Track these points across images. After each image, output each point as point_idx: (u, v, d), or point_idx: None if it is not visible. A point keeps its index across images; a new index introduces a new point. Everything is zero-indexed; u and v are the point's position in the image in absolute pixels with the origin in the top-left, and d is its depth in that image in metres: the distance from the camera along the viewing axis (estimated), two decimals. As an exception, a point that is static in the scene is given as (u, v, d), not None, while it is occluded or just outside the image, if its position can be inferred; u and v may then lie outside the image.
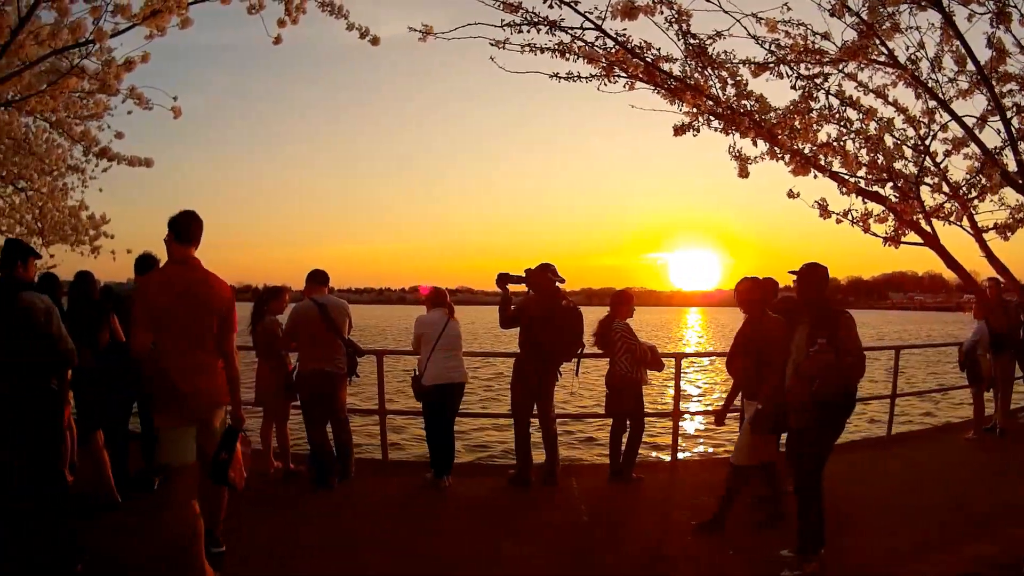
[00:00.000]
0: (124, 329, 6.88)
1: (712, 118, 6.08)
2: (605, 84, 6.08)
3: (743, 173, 6.32)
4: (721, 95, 5.87)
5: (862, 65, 5.93)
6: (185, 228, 5.19)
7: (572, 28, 5.79)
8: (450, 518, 7.16)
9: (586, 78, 6.08)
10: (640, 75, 6.00)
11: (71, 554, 5.49)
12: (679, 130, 6.47)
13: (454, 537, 6.64)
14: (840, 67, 5.98)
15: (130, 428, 7.77)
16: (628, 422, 8.36)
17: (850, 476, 8.38)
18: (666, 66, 5.89)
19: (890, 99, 6.22)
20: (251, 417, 14.40)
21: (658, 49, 5.87)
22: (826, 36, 5.80)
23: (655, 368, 8.49)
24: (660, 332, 70.82)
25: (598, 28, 5.75)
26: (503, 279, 8.29)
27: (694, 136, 6.40)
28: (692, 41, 5.78)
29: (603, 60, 5.96)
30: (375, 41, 6.25)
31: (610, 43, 5.83)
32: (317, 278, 8.32)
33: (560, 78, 6.07)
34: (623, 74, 6.08)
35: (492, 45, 5.88)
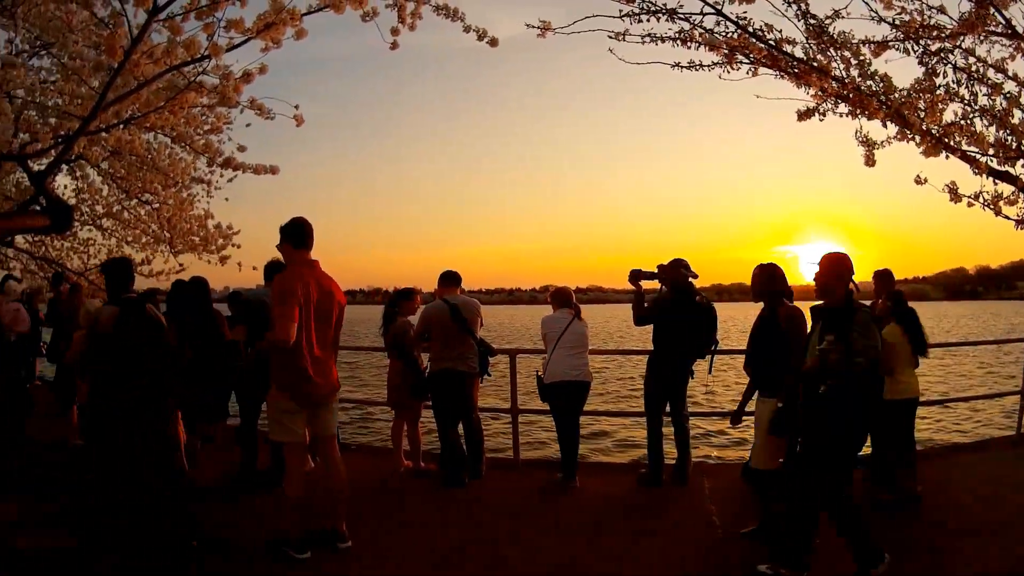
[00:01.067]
0: (255, 331, 7.20)
1: (839, 101, 5.72)
2: (728, 71, 5.85)
3: (869, 161, 5.89)
4: (845, 76, 5.53)
5: (980, 38, 5.49)
6: (302, 233, 5.75)
7: (692, 14, 5.56)
8: (581, 518, 6.95)
9: (708, 66, 5.87)
10: (763, 59, 5.72)
11: (189, 531, 6.13)
12: (803, 115, 6.14)
13: (585, 537, 6.48)
14: (959, 41, 5.55)
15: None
16: None
17: (974, 478, 7.97)
18: (788, 48, 5.57)
19: (1009, 72, 5.76)
20: (382, 417, 14.56)
21: (779, 31, 5.58)
22: (941, 10, 5.39)
23: None
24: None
25: (718, 12, 5.50)
26: (636, 275, 8.10)
27: (820, 120, 6.07)
28: (811, 21, 5.47)
29: (724, 47, 5.71)
30: (494, 42, 6.05)
31: (731, 28, 5.58)
32: (449, 279, 8.29)
33: (681, 67, 5.87)
34: (745, 60, 5.82)
35: (610, 38, 5.72)
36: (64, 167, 10.38)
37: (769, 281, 6.31)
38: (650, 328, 8.16)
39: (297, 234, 5.76)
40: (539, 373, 8.24)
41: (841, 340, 5.07)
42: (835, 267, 5.39)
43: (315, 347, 5.60)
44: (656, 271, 8.06)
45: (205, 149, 7.99)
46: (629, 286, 8.06)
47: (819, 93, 5.74)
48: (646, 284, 8.14)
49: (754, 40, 5.58)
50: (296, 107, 6.37)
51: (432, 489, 7.92)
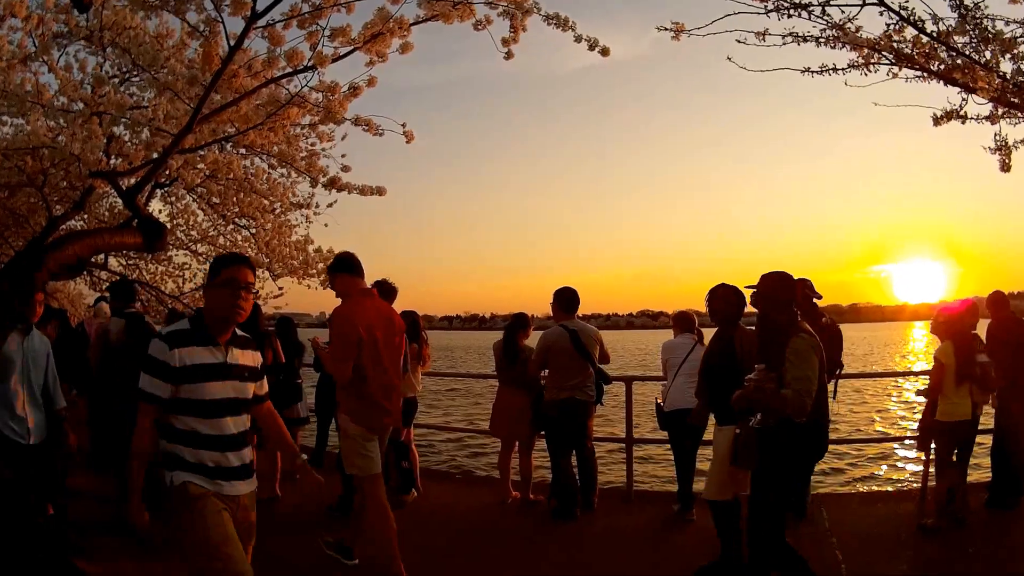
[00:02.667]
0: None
1: (998, 99, 5.05)
2: (864, 73, 5.43)
3: (1006, 166, 5.21)
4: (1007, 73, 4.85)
5: None
6: (353, 263, 5.56)
7: (846, 5, 5.12)
8: (697, 552, 6.31)
9: (842, 69, 5.47)
10: (915, 55, 5.13)
11: None
12: (941, 119, 5.76)
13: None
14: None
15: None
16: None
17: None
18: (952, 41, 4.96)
19: None
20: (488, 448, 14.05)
21: (942, 21, 5.04)
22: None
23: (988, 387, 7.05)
24: (888, 349, 65.74)
25: (880, 3, 4.93)
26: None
27: (962, 124, 5.68)
28: (965, 12, 4.90)
29: (865, 47, 5.25)
30: (605, 52, 5.45)
31: (877, 29, 5.13)
32: (568, 303, 7.68)
33: (812, 72, 5.53)
34: (886, 60, 5.36)
35: (739, 42, 5.41)
36: (158, 192, 10.12)
37: (727, 304, 5.79)
38: None
39: (350, 264, 5.56)
40: (658, 400, 7.68)
41: (774, 369, 4.52)
42: (774, 289, 4.85)
43: (385, 374, 5.47)
44: None
45: (308, 168, 7.38)
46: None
47: (983, 90, 5.19)
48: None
49: (909, 35, 5.17)
50: (403, 125, 5.81)
51: (541, 521, 7.42)
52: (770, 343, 4.73)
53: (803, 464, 4.86)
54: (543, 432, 7.83)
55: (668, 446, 7.86)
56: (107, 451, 6.94)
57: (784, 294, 4.81)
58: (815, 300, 7.29)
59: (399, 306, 6.65)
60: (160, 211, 11.30)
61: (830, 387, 6.87)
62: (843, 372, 7.49)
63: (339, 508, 7.14)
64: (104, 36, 5.70)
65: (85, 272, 11.89)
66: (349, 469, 5.55)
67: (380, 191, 7.20)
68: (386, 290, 7.09)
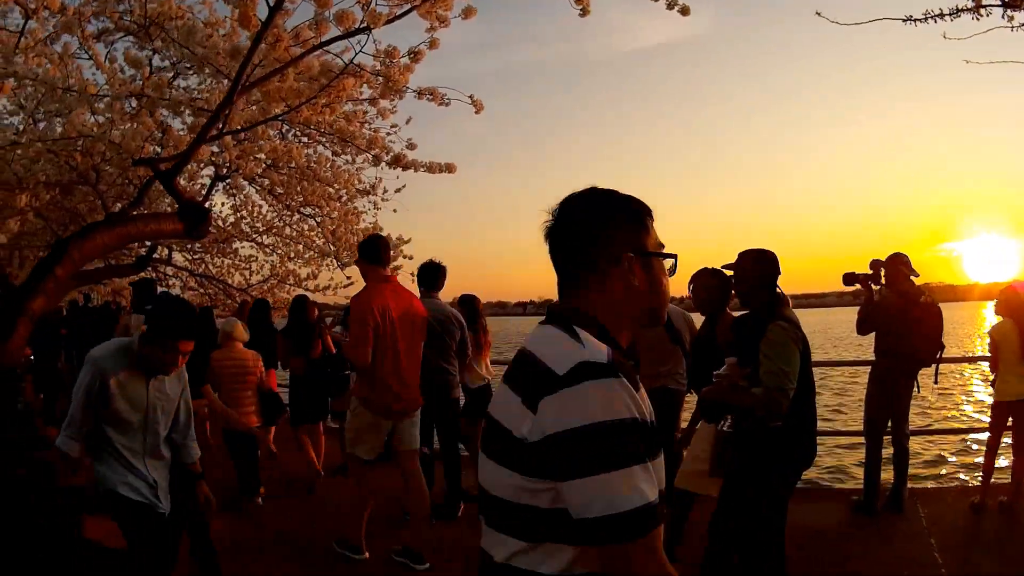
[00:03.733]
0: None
1: None
2: (976, 17, 4.45)
3: None
4: None
5: None
6: (376, 249, 5.50)
7: None
8: (791, 549, 5.40)
9: (950, 14, 4.46)
10: None
11: None
12: None
13: (798, 569, 5.32)
14: None
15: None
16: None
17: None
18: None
19: None
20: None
21: None
22: None
23: None
24: (961, 329, 62.87)
25: None
26: (851, 278, 6.90)
27: None
28: None
29: None
30: (685, 11, 4.69)
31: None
32: None
33: (915, 21, 4.61)
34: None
35: None
36: (219, 184, 9.65)
37: (707, 291, 5.22)
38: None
39: (368, 251, 5.52)
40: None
41: (748, 362, 3.97)
42: (750, 269, 4.21)
43: (401, 361, 5.42)
44: (871, 271, 6.83)
45: (370, 145, 6.62)
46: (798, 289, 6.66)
47: None
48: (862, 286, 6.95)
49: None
50: (471, 96, 5.10)
51: None
52: (746, 332, 4.12)
53: (784, 474, 4.09)
54: None
55: None
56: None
57: (761, 275, 4.15)
58: (912, 277, 6.71)
59: (470, 289, 6.14)
60: (223, 204, 10.92)
61: (928, 372, 6.91)
62: (943, 356, 6.83)
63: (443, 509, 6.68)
64: (151, 30, 5.10)
65: (150, 268, 11.57)
66: (348, 447, 5.61)
67: (449, 168, 6.48)
68: (430, 271, 6.69)
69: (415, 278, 6.86)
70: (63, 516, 5.88)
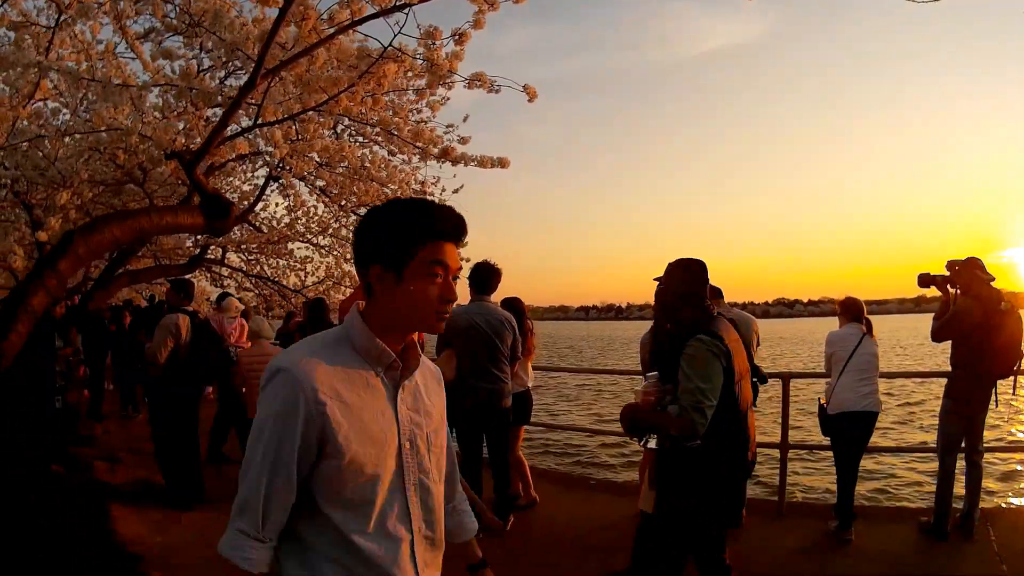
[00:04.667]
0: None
1: None
2: None
3: None
4: None
5: None
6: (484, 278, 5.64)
7: None
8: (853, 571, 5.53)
9: None
10: None
11: None
12: None
13: None
14: None
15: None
16: None
17: None
18: None
19: None
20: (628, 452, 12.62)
21: None
22: None
23: None
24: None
25: None
26: (926, 280, 6.45)
27: None
28: None
29: None
30: None
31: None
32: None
33: None
34: None
35: None
36: (273, 184, 9.33)
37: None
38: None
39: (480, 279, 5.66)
40: (822, 402, 6.58)
41: (671, 378, 3.64)
42: (679, 279, 3.88)
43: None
44: (948, 274, 6.32)
45: (416, 138, 6.07)
46: (866, 296, 6.14)
47: None
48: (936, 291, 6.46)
49: None
50: (524, 86, 4.60)
51: None
52: (669, 346, 3.78)
53: (705, 497, 3.67)
54: None
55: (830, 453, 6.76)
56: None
57: (688, 286, 3.82)
58: (990, 282, 6.21)
59: (530, 293, 5.71)
60: (277, 204, 10.62)
61: (1006, 383, 6.37)
62: (1020, 366, 6.23)
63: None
64: (199, 31, 4.73)
65: (204, 268, 11.33)
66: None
67: (503, 163, 5.95)
68: (482, 272, 6.30)
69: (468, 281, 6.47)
70: (87, 512, 5.92)
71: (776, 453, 7.45)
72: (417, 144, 5.76)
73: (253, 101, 4.54)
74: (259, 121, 4.48)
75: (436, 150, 5.85)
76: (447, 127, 6.52)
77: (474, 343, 5.98)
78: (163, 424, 6.94)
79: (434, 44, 3.94)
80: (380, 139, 8.18)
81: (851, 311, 6.57)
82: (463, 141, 6.13)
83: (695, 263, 3.90)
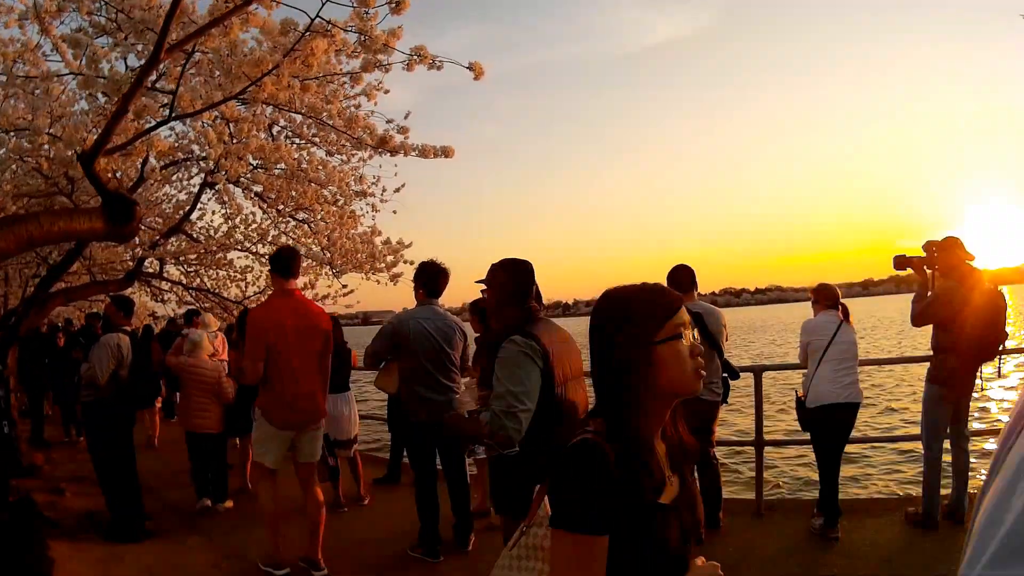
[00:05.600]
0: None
1: None
2: None
3: None
4: None
5: None
6: (281, 261, 5.41)
7: None
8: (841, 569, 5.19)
9: None
10: None
11: None
12: None
13: None
14: None
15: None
16: None
17: None
18: None
19: None
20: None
21: None
22: None
23: None
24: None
25: None
26: (901, 262, 6.10)
27: None
28: None
29: None
30: None
31: None
32: (686, 280, 5.97)
33: None
34: None
35: None
36: (210, 192, 8.80)
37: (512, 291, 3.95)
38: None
39: (275, 262, 5.43)
40: (799, 395, 6.09)
41: (488, 383, 3.39)
42: (503, 281, 3.62)
43: (296, 375, 5.29)
44: (925, 255, 5.96)
45: (349, 125, 5.51)
46: (806, 283, 5.83)
47: None
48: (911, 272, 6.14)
49: None
50: (469, 65, 4.14)
51: None
52: (490, 349, 3.52)
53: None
54: None
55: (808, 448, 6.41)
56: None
57: (511, 287, 3.56)
58: (970, 262, 5.86)
59: (471, 293, 5.34)
60: (214, 212, 10.02)
61: (993, 364, 6.08)
62: (1006, 347, 6.01)
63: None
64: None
65: (144, 282, 10.70)
66: (256, 457, 5.64)
67: (447, 152, 5.46)
68: (426, 273, 5.80)
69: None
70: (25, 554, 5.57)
71: (749, 451, 7.16)
72: (350, 134, 5.19)
73: (169, 88, 4.02)
74: (175, 112, 3.96)
75: (372, 139, 5.33)
76: (387, 121, 6.05)
77: (424, 352, 5.52)
78: (103, 447, 6.45)
79: (368, 13, 3.45)
80: (317, 140, 7.72)
81: (827, 298, 6.12)
82: (402, 131, 5.62)
83: (519, 264, 3.65)
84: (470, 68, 3.97)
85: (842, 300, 6.06)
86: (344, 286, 10.11)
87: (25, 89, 4.50)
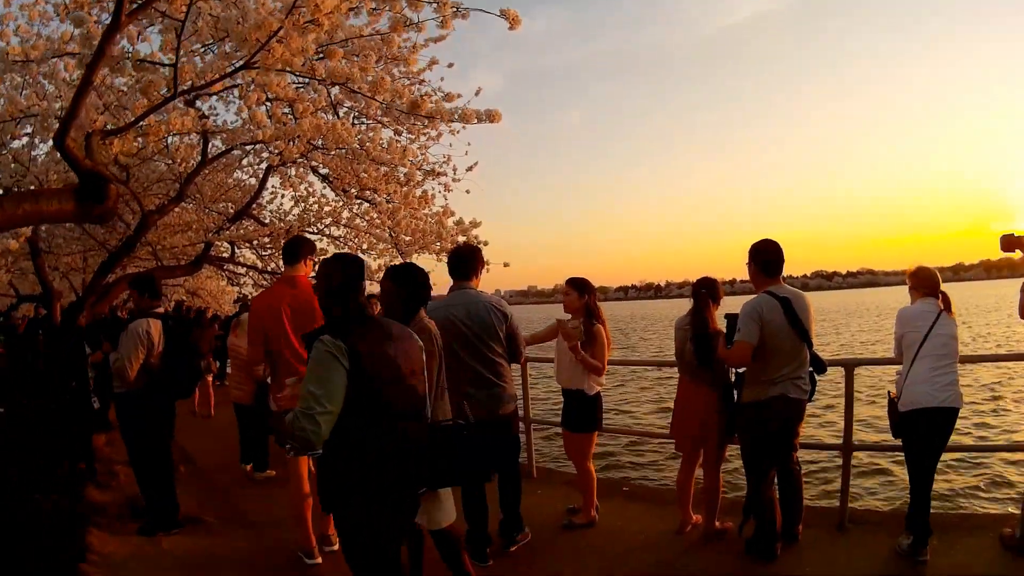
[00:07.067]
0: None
1: None
2: None
3: None
4: None
5: None
6: (287, 249, 5.21)
7: None
8: None
9: None
10: None
11: None
12: None
13: None
14: None
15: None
16: None
17: None
18: None
19: None
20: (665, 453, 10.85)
21: None
22: None
23: None
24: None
25: None
26: (1010, 242, 4.83)
27: None
28: None
29: None
30: None
31: None
32: (771, 265, 4.98)
33: None
34: None
35: None
36: (277, 174, 8.41)
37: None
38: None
39: (286, 250, 5.21)
40: (891, 395, 5.10)
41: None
42: (325, 276, 3.40)
43: (291, 359, 5.00)
44: None
45: (374, 90, 4.80)
46: (899, 266, 4.75)
47: None
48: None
49: None
50: (500, 12, 3.51)
51: (730, 558, 5.06)
52: (307, 346, 3.33)
53: (368, 508, 3.20)
54: (736, 439, 5.24)
55: (900, 456, 5.24)
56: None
57: (339, 283, 3.35)
58: None
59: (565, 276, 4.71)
60: (283, 196, 9.64)
61: None
62: None
63: None
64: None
65: (218, 266, 10.45)
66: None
67: (492, 116, 4.81)
68: (459, 254, 5.23)
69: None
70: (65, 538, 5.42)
71: (839, 455, 6.10)
72: (376, 98, 4.53)
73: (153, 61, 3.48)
74: (179, 89, 3.42)
75: (403, 102, 4.70)
76: (443, 94, 5.46)
77: (451, 342, 4.82)
78: (136, 438, 5.92)
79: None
80: (385, 120, 7.23)
81: (925, 283, 5.08)
82: (448, 98, 5.00)
83: (348, 259, 3.47)
84: (503, 16, 3.33)
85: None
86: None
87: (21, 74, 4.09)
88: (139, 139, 4.42)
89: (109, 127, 3.92)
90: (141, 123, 3.73)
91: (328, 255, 3.87)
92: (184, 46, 3.51)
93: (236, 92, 5.71)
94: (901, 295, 5.34)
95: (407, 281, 4.00)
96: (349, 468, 3.12)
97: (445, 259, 8.74)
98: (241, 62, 3.51)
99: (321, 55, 4.20)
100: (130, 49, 3.53)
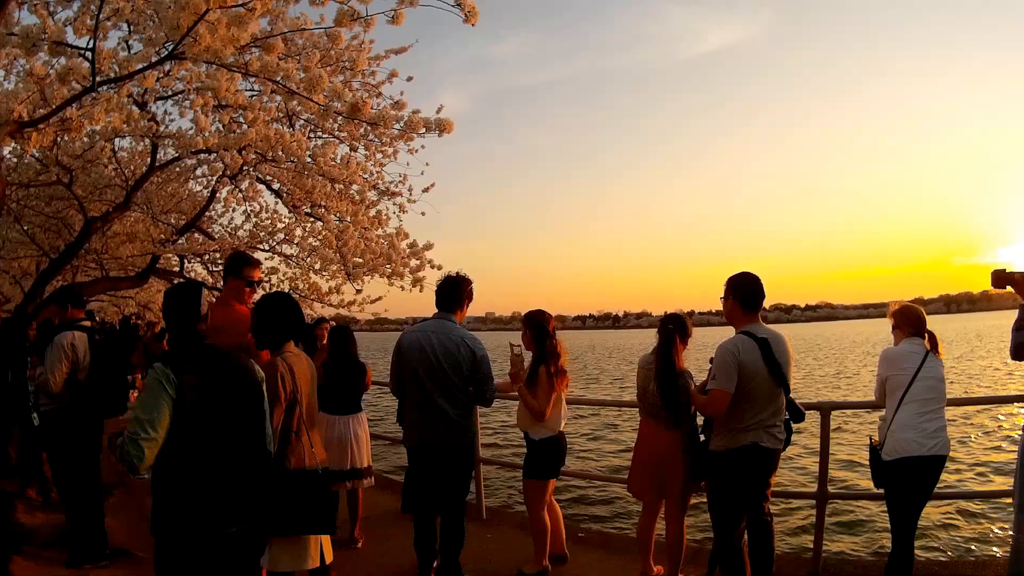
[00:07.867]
0: None
1: None
2: None
3: None
4: None
5: None
6: (230, 265, 4.67)
7: None
8: None
9: None
10: None
11: None
12: None
13: None
14: None
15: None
16: None
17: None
18: None
19: None
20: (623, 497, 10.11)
21: None
22: None
23: None
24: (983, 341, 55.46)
25: None
26: (1001, 278, 4.49)
27: None
28: None
29: None
30: None
31: None
32: (751, 298, 4.57)
33: None
34: None
35: None
36: (231, 185, 8.10)
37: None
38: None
39: (227, 265, 4.72)
40: (873, 441, 4.75)
41: None
42: (170, 303, 3.31)
43: None
44: None
45: (311, 88, 4.19)
46: (861, 300, 4.48)
47: None
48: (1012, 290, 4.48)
49: None
50: (456, 2, 3.27)
51: None
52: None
53: (187, 543, 3.12)
54: (703, 485, 4.94)
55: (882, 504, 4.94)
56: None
57: (172, 311, 3.28)
58: None
59: (523, 305, 4.24)
60: (234, 209, 9.24)
61: None
62: None
63: None
64: None
65: (167, 281, 10.08)
66: None
67: (443, 126, 4.54)
68: (444, 286, 4.93)
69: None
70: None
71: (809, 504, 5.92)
72: (312, 98, 4.20)
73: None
74: (96, 78, 3.14)
75: (343, 105, 4.38)
76: (392, 100, 5.17)
77: (416, 367, 4.65)
78: (64, 461, 5.52)
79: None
80: (344, 135, 6.97)
81: (911, 322, 4.84)
82: (398, 105, 4.72)
83: (185, 288, 3.44)
84: (457, 5, 3.10)
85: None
86: (358, 291, 9.15)
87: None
88: (63, 134, 4.08)
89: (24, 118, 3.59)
90: (61, 114, 3.42)
91: (171, 286, 3.65)
92: (103, 28, 3.22)
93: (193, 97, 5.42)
94: (860, 328, 5.21)
95: (275, 312, 3.92)
96: (170, 496, 3.06)
97: (396, 283, 8.46)
98: (167, 51, 3.22)
99: (258, 49, 3.92)
100: (35, 23, 3.22)
